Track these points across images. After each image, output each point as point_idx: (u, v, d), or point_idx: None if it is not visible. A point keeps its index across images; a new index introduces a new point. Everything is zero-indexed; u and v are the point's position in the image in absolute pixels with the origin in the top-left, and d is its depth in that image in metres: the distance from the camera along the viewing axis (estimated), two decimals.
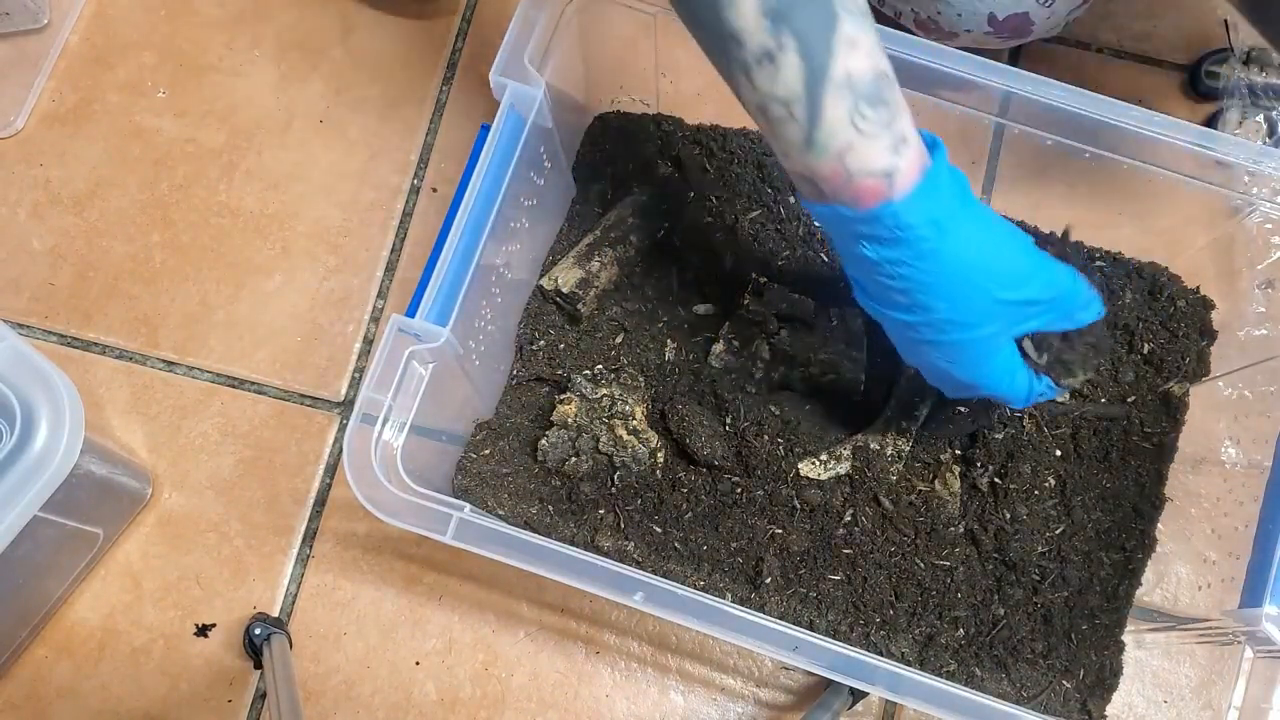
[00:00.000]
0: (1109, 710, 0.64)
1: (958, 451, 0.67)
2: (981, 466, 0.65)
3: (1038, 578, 0.64)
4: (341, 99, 0.80)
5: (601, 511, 0.65)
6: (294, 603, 0.70)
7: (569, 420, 0.66)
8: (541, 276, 0.70)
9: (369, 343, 0.75)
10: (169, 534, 0.71)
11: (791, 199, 0.70)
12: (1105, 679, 0.64)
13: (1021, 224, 0.70)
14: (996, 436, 0.65)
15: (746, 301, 0.68)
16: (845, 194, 0.45)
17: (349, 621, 0.69)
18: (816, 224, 0.68)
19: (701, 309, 0.70)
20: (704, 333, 0.69)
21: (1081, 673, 0.63)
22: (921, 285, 0.47)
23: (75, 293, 0.76)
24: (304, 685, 0.68)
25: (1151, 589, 0.67)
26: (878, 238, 0.46)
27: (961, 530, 0.65)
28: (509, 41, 0.58)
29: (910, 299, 0.48)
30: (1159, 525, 0.66)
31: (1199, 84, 0.78)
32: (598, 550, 0.63)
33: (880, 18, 0.72)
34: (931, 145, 0.46)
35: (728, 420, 0.65)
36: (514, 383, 0.69)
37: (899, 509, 0.64)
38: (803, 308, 0.67)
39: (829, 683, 0.66)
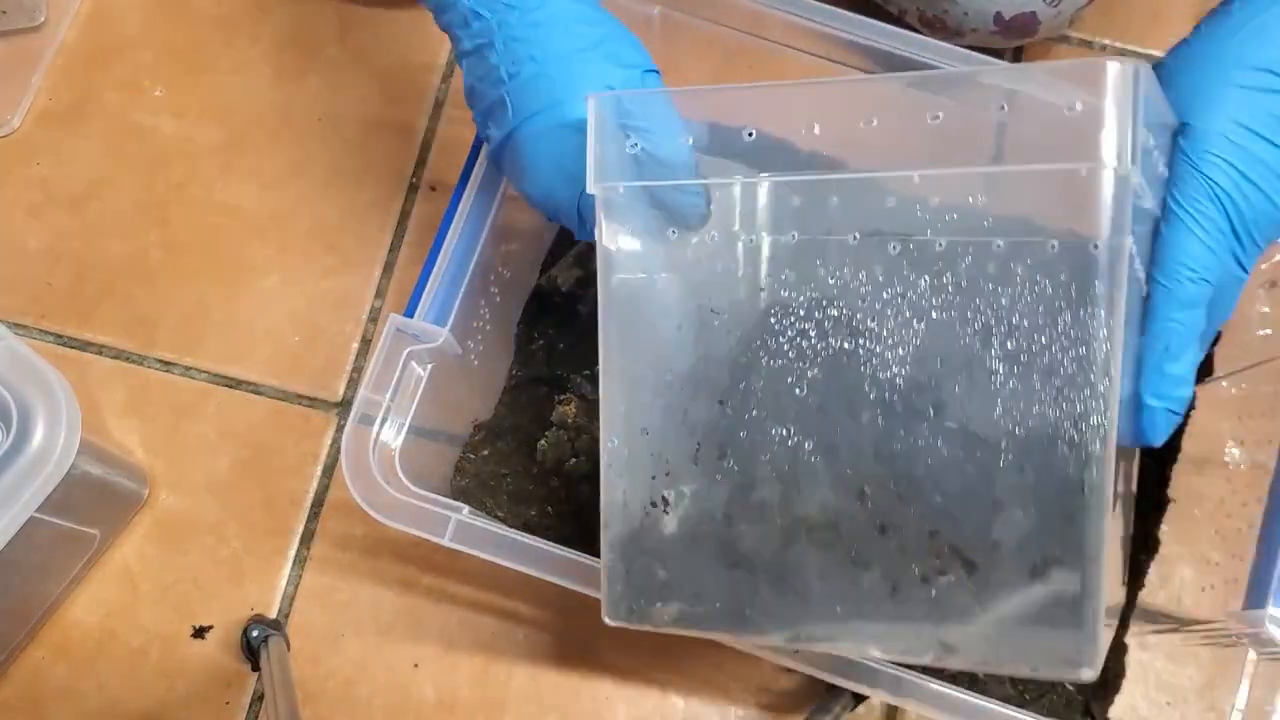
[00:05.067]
0: (1112, 713, 0.64)
1: None
2: None
3: None
4: (339, 97, 0.80)
5: None
6: (291, 604, 0.69)
7: (568, 421, 0.66)
8: (541, 276, 0.70)
9: (367, 343, 0.75)
10: (166, 535, 0.70)
11: None
12: (1108, 681, 0.64)
13: None
14: None
15: None
16: None
17: (346, 623, 0.69)
18: None
19: None
20: None
21: None
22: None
23: (71, 292, 0.75)
24: (302, 687, 0.67)
25: (1155, 591, 0.67)
26: None
27: None
28: None
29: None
30: (1162, 526, 0.66)
31: None
32: (597, 552, 0.62)
33: (884, 15, 0.72)
34: None
35: None
36: (513, 383, 0.69)
37: None
38: None
39: (829, 686, 0.66)
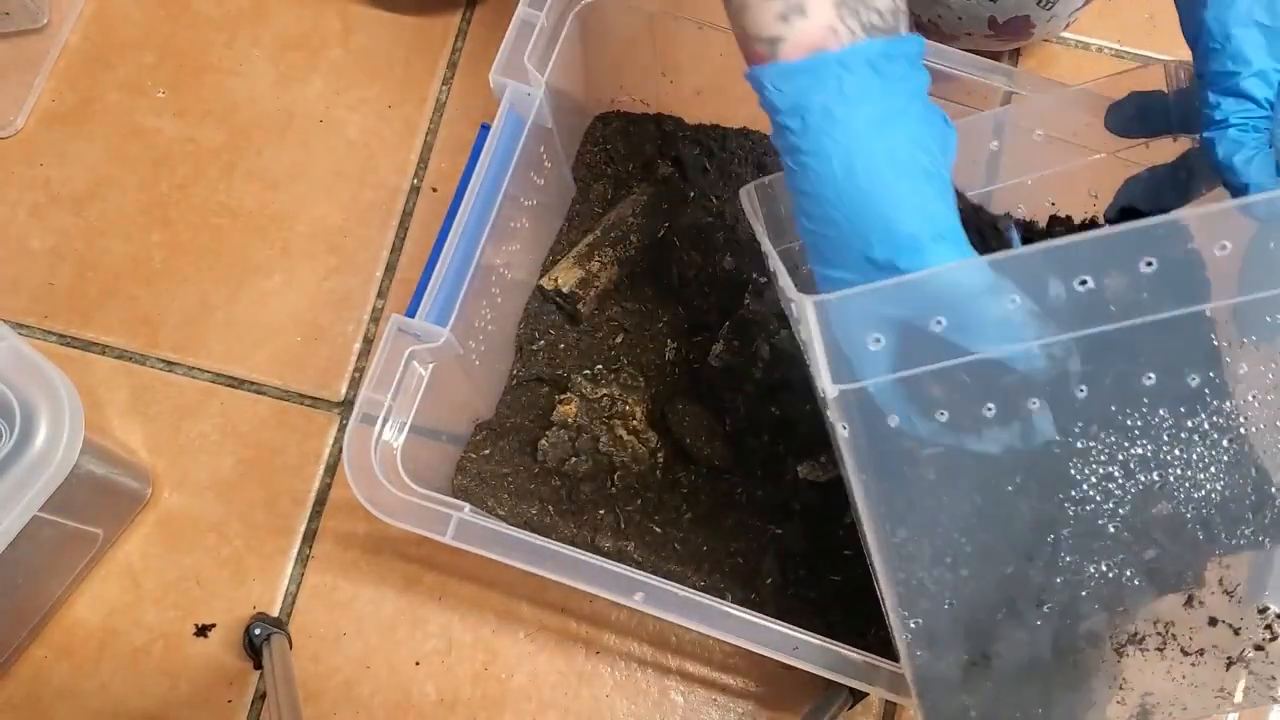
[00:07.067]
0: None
1: None
2: None
3: None
4: (341, 99, 0.80)
5: (601, 512, 0.65)
6: (294, 603, 0.70)
7: (569, 420, 0.66)
8: (541, 276, 0.70)
9: (369, 343, 0.75)
10: (169, 534, 0.71)
11: None
12: None
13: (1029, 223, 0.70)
14: None
15: (747, 301, 0.68)
16: (746, 58, 0.41)
17: (349, 622, 0.69)
18: None
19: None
20: (704, 333, 0.69)
21: None
22: (796, 186, 0.40)
23: (75, 293, 0.76)
24: (304, 685, 0.68)
25: None
26: (771, 110, 0.40)
27: None
28: (509, 41, 0.58)
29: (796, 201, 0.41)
30: None
31: None
32: (598, 551, 0.63)
33: None
34: (890, 56, 0.40)
35: (727, 420, 0.65)
36: (514, 383, 0.69)
37: None
38: None
39: (829, 683, 0.66)
